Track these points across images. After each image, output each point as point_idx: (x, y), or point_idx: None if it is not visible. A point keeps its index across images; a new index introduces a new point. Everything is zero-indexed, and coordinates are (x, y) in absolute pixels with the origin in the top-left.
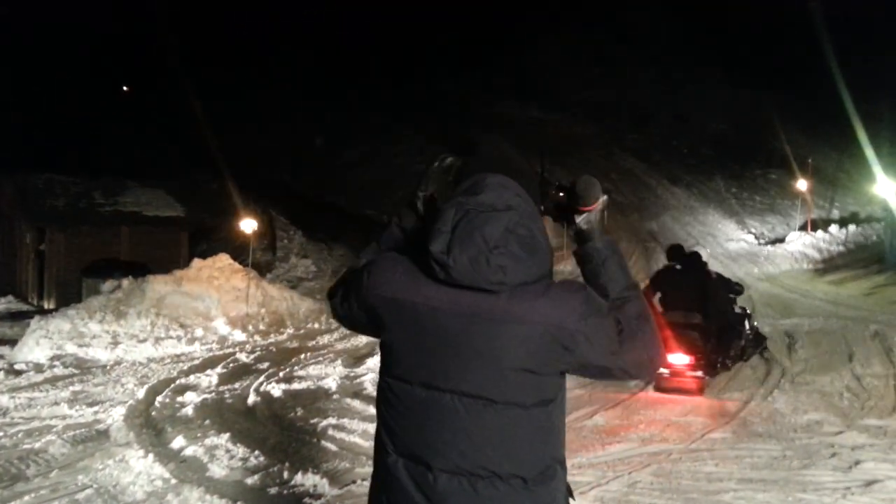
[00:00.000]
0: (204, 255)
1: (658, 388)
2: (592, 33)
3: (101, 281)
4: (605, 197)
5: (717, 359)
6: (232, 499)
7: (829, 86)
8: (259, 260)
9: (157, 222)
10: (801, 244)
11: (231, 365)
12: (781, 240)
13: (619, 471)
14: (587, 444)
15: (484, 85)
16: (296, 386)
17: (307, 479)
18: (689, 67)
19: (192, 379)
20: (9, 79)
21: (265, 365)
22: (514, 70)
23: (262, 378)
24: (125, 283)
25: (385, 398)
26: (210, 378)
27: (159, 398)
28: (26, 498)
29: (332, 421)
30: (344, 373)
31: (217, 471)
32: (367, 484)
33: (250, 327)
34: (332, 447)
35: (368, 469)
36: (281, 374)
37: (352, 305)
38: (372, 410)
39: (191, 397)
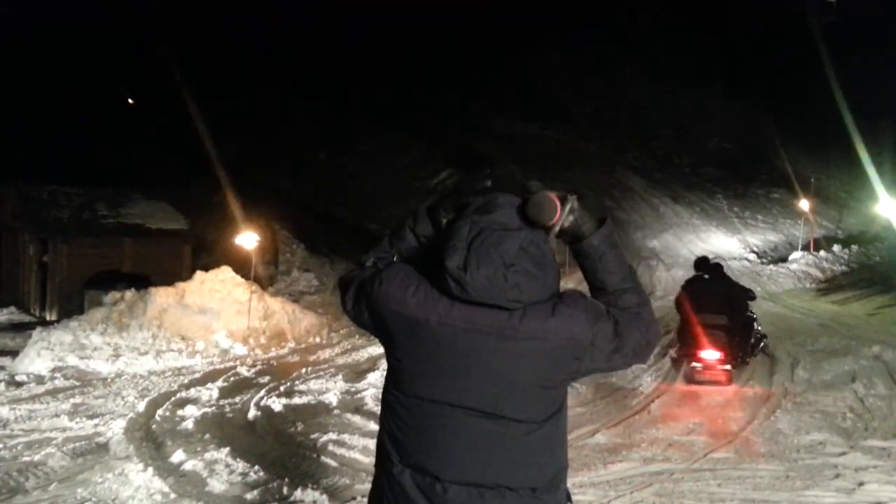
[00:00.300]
0: (206, 268)
1: (691, 381)
2: (595, 47)
3: (103, 293)
4: (570, 203)
5: (739, 354)
6: None
7: (831, 104)
8: (261, 273)
9: (160, 235)
10: (804, 263)
11: (232, 378)
12: (784, 259)
13: (621, 490)
14: (589, 462)
15: (486, 98)
16: (296, 400)
17: (307, 495)
18: (692, 84)
19: (192, 392)
20: (12, 89)
21: (266, 379)
22: (516, 83)
23: (262, 392)
24: (127, 295)
25: (392, 410)
26: (211, 392)
27: (160, 411)
28: None
29: (332, 436)
30: (345, 388)
31: (216, 485)
32: (367, 500)
33: (251, 341)
34: (333, 463)
35: (369, 485)
36: (282, 388)
37: (361, 310)
38: (373, 426)
39: (191, 411)
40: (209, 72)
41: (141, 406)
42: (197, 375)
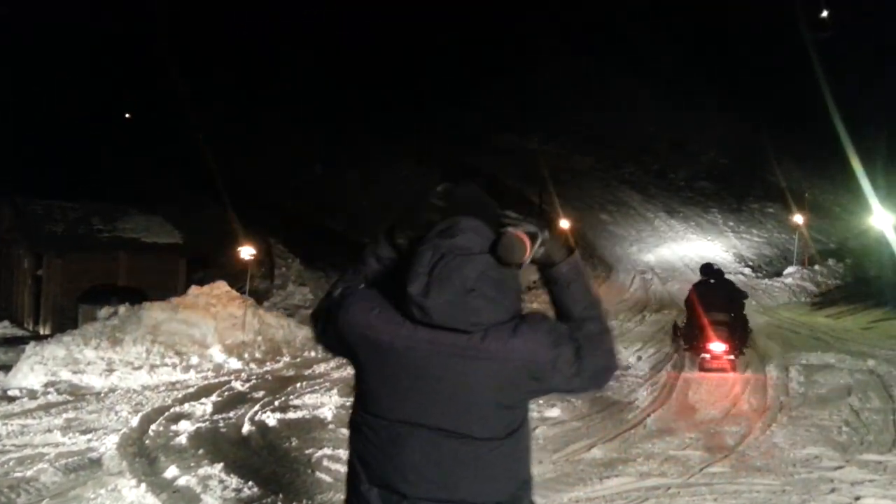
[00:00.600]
0: (201, 282)
1: (702, 369)
2: (591, 64)
3: (97, 307)
4: (540, 238)
5: (739, 345)
6: None
7: (825, 119)
8: (257, 287)
9: (156, 249)
10: (799, 277)
11: (226, 393)
12: (779, 273)
13: None
14: (584, 477)
15: (483, 112)
16: (291, 415)
17: None
18: (687, 100)
19: (186, 407)
20: (7, 103)
21: (260, 394)
22: (514, 98)
23: (257, 407)
24: (122, 309)
25: (359, 432)
26: (205, 406)
27: (153, 426)
28: None
29: (327, 451)
30: (339, 402)
31: (210, 501)
32: None
33: (246, 355)
34: (327, 478)
35: None
36: (276, 402)
37: (331, 337)
38: None
39: (185, 426)
40: (206, 86)
41: (134, 421)
42: (191, 390)
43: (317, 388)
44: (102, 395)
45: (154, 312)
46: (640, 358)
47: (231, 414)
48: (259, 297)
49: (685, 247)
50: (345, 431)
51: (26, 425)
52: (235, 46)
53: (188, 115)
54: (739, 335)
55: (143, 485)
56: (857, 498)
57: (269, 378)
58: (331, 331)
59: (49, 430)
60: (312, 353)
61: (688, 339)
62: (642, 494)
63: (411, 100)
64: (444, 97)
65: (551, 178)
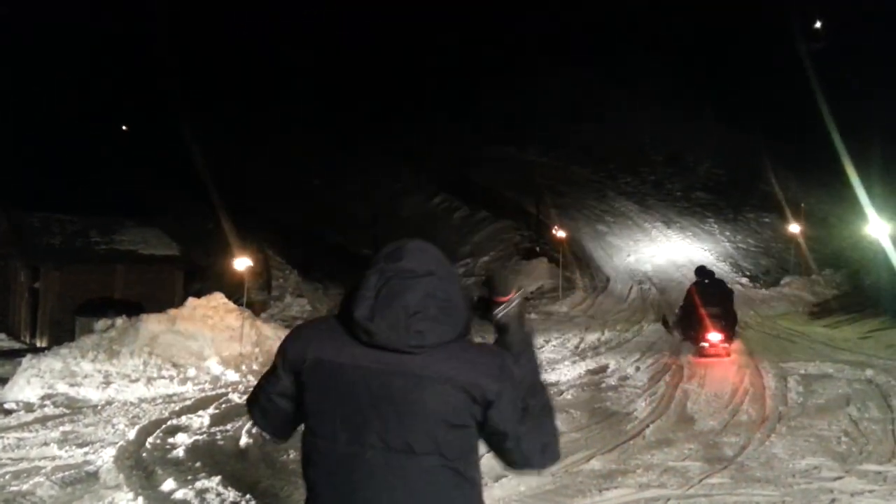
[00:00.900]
0: (199, 294)
1: (701, 355)
2: (588, 74)
3: (94, 320)
4: (521, 290)
5: (731, 335)
6: None
7: (820, 129)
8: (254, 299)
9: (153, 261)
10: (796, 287)
11: (223, 406)
12: (776, 283)
13: None
14: (583, 489)
15: (480, 124)
16: None
17: None
18: (682, 110)
19: (183, 420)
20: (4, 115)
21: None
22: (510, 109)
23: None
24: (119, 322)
25: (310, 458)
26: (202, 419)
27: (150, 439)
28: None
29: None
30: None
31: None
32: None
33: (244, 367)
34: None
35: None
36: None
37: (277, 387)
38: None
39: (182, 439)
40: (202, 98)
41: (131, 434)
42: (188, 402)
43: None
44: (99, 407)
45: (151, 325)
46: (638, 368)
47: (228, 426)
48: (256, 309)
49: (683, 257)
50: None
51: (23, 438)
52: (233, 59)
53: (185, 127)
54: (731, 326)
55: (141, 498)
56: None
57: None
58: (279, 378)
59: (46, 444)
60: None
61: (685, 330)
62: None
63: (409, 111)
64: (441, 109)
65: (548, 190)
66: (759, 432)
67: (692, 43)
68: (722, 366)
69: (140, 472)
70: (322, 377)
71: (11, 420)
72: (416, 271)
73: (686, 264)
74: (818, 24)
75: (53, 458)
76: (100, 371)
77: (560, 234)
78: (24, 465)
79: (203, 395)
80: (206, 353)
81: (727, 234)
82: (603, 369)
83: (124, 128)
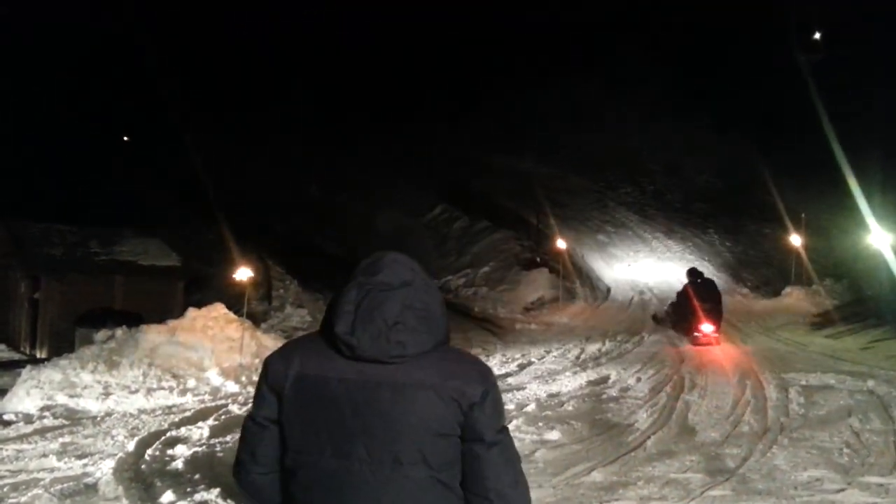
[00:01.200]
0: (199, 305)
1: (695, 344)
2: (585, 84)
3: (94, 330)
4: None
5: (719, 326)
6: None
7: (820, 138)
8: (254, 309)
9: (153, 272)
10: (797, 297)
11: (223, 417)
12: (777, 293)
13: None
14: (585, 502)
15: (477, 134)
16: None
17: None
18: (681, 120)
19: (183, 431)
20: (4, 125)
21: None
22: (507, 120)
23: None
24: (119, 332)
25: (294, 474)
26: (202, 430)
27: (149, 451)
28: None
29: None
30: None
31: None
32: None
33: (244, 378)
34: None
35: None
36: None
37: (263, 410)
38: None
39: (181, 450)
40: (202, 109)
41: (130, 445)
42: (188, 414)
43: None
44: (99, 419)
45: (151, 335)
46: (639, 379)
47: (228, 438)
48: (256, 319)
49: (683, 267)
50: None
51: (21, 450)
52: (233, 67)
53: (185, 137)
54: (720, 319)
55: None
56: None
57: None
58: (268, 398)
59: (45, 455)
60: None
61: (678, 322)
62: None
63: (408, 121)
64: (440, 118)
65: (548, 200)
66: (761, 444)
67: (691, 52)
68: (723, 376)
69: (139, 484)
70: (305, 392)
71: (10, 431)
72: (392, 283)
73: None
74: (817, 36)
75: (52, 470)
76: (99, 382)
77: (560, 244)
78: (22, 476)
79: (203, 406)
80: (205, 363)
81: (727, 244)
82: (604, 380)
83: (125, 138)
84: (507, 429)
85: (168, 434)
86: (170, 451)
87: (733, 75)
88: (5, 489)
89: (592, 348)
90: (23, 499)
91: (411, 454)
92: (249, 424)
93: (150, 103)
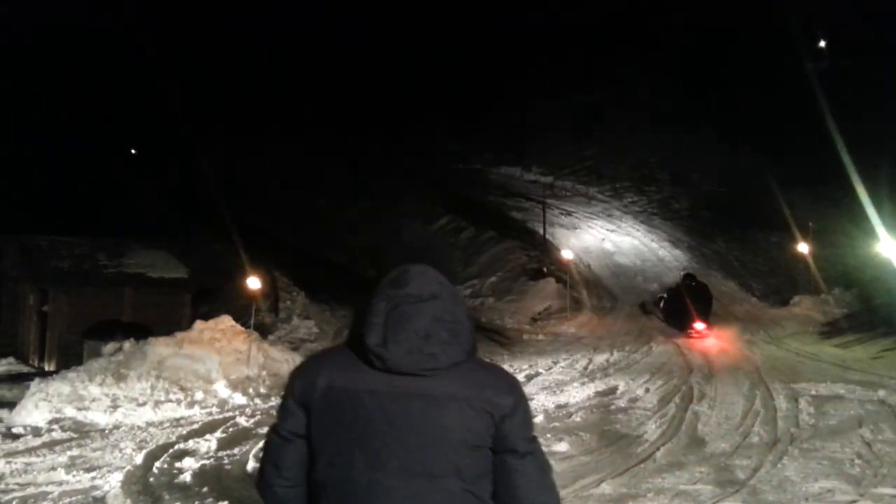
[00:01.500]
0: (206, 317)
1: (689, 338)
2: (591, 94)
3: (102, 343)
4: None
5: (710, 323)
6: None
7: (829, 145)
8: (261, 321)
9: (161, 284)
10: (805, 307)
11: (231, 429)
12: (785, 302)
13: None
14: None
15: (483, 145)
16: None
17: None
18: (687, 129)
19: (190, 444)
20: (12, 138)
21: (265, 429)
22: (513, 130)
23: (261, 443)
24: (126, 345)
25: (324, 488)
26: (209, 443)
27: (157, 464)
28: None
29: None
30: None
31: None
32: None
33: (251, 390)
34: None
35: None
36: None
37: (289, 423)
38: None
39: (189, 463)
40: (209, 121)
41: (139, 458)
42: (195, 426)
43: None
44: (107, 431)
45: (159, 348)
46: (647, 390)
47: (236, 450)
48: (264, 331)
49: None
50: None
51: (30, 463)
52: (241, 82)
53: (193, 149)
54: (709, 317)
55: None
56: None
57: (274, 413)
58: (295, 412)
59: (53, 468)
60: None
61: (672, 318)
62: None
63: (415, 132)
64: (446, 130)
65: (555, 209)
66: (771, 454)
67: (696, 61)
68: (733, 386)
69: (147, 497)
70: (335, 405)
71: (19, 444)
72: (421, 295)
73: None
74: (822, 44)
75: (61, 483)
76: (107, 395)
77: (567, 253)
78: (31, 490)
79: (210, 418)
80: (213, 376)
81: (735, 253)
82: (612, 391)
83: (133, 151)
84: (536, 438)
85: (176, 447)
86: (178, 464)
87: (739, 83)
88: (14, 502)
89: (600, 358)
90: None
91: (445, 467)
92: (274, 438)
93: (157, 116)
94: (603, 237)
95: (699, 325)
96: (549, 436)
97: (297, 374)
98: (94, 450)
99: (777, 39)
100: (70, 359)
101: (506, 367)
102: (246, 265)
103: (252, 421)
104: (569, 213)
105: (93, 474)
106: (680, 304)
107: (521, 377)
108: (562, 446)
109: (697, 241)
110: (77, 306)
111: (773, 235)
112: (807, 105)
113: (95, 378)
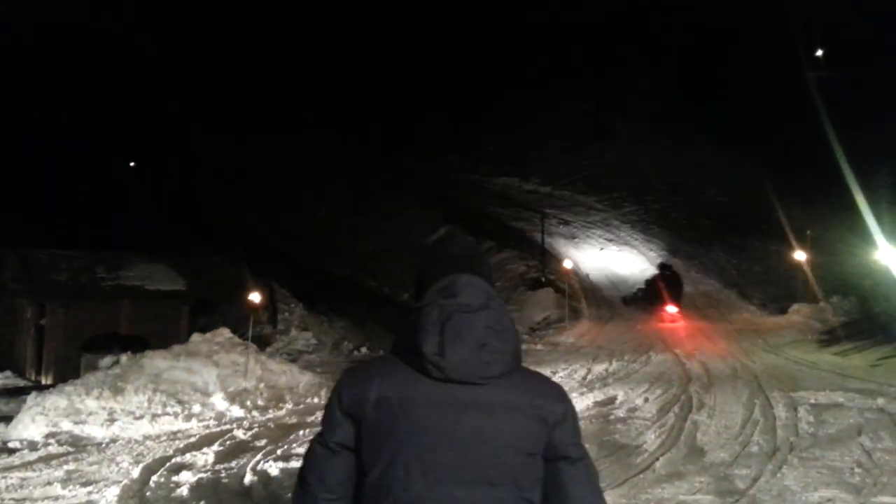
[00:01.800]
0: (204, 329)
1: (662, 322)
2: (589, 104)
3: (99, 356)
4: None
5: (681, 307)
6: None
7: (827, 154)
8: (259, 333)
9: (159, 296)
10: (804, 315)
11: (228, 442)
12: (784, 310)
13: None
14: None
15: (482, 155)
16: (294, 464)
17: None
18: (685, 138)
19: (187, 457)
20: (11, 151)
21: (263, 442)
22: (512, 141)
23: (259, 456)
24: (124, 358)
25: (379, 500)
26: (206, 456)
27: (154, 478)
28: None
29: None
30: None
31: None
32: None
33: (248, 403)
34: None
35: None
36: (279, 451)
37: (336, 436)
38: None
39: (186, 477)
40: (209, 133)
41: (135, 472)
42: (193, 439)
43: None
44: (104, 445)
45: (156, 361)
46: (646, 400)
47: (233, 464)
48: (262, 343)
49: (689, 286)
50: None
51: (26, 478)
52: (241, 92)
53: (192, 162)
54: (680, 300)
55: None
56: None
57: (272, 426)
58: (343, 422)
59: (49, 483)
60: (315, 400)
61: (647, 304)
62: None
63: (414, 143)
64: (445, 140)
65: (553, 219)
66: (771, 464)
67: (693, 71)
68: (732, 395)
69: None
70: (390, 415)
71: (15, 459)
72: (472, 305)
73: (692, 293)
74: (819, 53)
75: (57, 498)
76: (104, 408)
77: (566, 263)
78: None
79: (208, 431)
80: (210, 388)
81: (733, 261)
82: (611, 401)
83: (132, 163)
84: (584, 445)
85: (173, 460)
86: (175, 478)
87: (738, 93)
88: None
89: (599, 368)
90: None
91: (502, 475)
92: (319, 449)
93: (157, 128)
94: (602, 247)
95: (671, 309)
96: None
97: (344, 384)
98: (91, 464)
99: (776, 48)
100: (67, 372)
101: None
102: (244, 277)
103: (249, 434)
104: (567, 223)
105: (89, 489)
106: (655, 291)
107: None
108: None
109: (696, 250)
110: (74, 320)
111: (771, 244)
112: (805, 114)
113: (92, 391)
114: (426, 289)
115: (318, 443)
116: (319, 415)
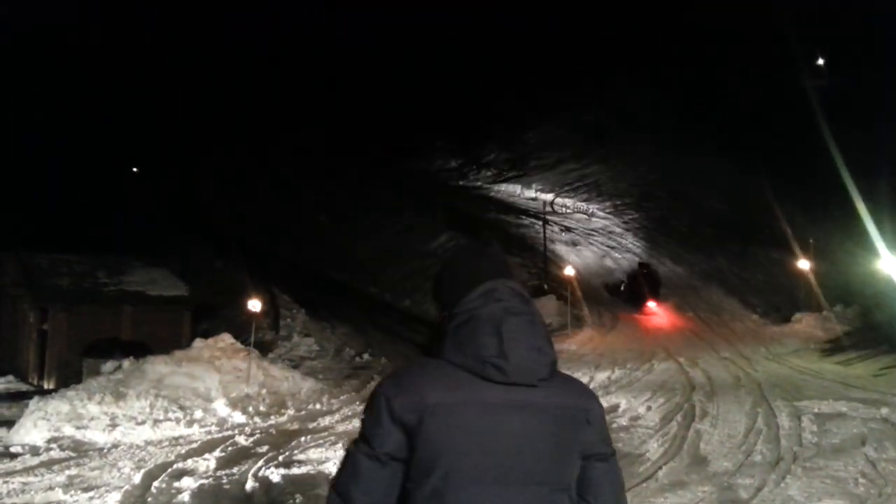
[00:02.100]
0: (206, 334)
1: (642, 314)
2: (589, 112)
3: (101, 361)
4: None
5: (659, 301)
6: None
7: (828, 162)
8: (261, 338)
9: (161, 301)
10: (807, 324)
11: (230, 448)
12: (787, 319)
13: None
14: None
15: (484, 163)
16: (295, 471)
17: None
18: (686, 147)
19: (189, 463)
20: (13, 157)
21: (264, 448)
22: (514, 148)
23: (260, 462)
24: (126, 363)
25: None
26: (208, 462)
27: (156, 483)
28: None
29: None
30: None
31: None
32: None
33: (250, 408)
34: None
35: None
36: (280, 458)
37: (387, 446)
38: None
39: (188, 483)
40: (211, 140)
41: (137, 478)
42: (194, 445)
43: (322, 442)
44: (105, 450)
45: (158, 366)
46: (649, 408)
47: (234, 470)
48: (264, 349)
49: (691, 293)
50: None
51: (28, 483)
52: (243, 98)
53: (194, 168)
54: (658, 295)
55: None
56: None
57: (274, 432)
58: (393, 430)
59: (51, 488)
60: (317, 406)
61: (632, 298)
62: None
63: (416, 150)
64: (448, 148)
65: (554, 227)
66: (774, 473)
67: (694, 79)
68: (735, 404)
69: None
70: (447, 421)
71: (17, 464)
72: (518, 309)
73: (695, 301)
74: (820, 62)
75: (58, 503)
76: (106, 413)
77: (568, 270)
78: None
79: (209, 437)
80: (212, 394)
81: (735, 270)
82: (614, 409)
83: (134, 169)
84: (612, 443)
85: (174, 466)
86: (176, 484)
87: (739, 102)
88: None
89: (602, 376)
90: None
91: (557, 475)
92: (364, 461)
93: (160, 134)
94: (604, 254)
95: (651, 304)
96: None
97: (394, 392)
98: (93, 469)
99: (776, 58)
100: (69, 377)
101: None
102: (246, 282)
103: (251, 440)
104: (569, 230)
105: (91, 494)
106: (636, 287)
107: None
108: None
109: (698, 257)
110: (76, 324)
111: (773, 252)
112: (806, 122)
113: (94, 396)
114: (464, 293)
115: (363, 454)
116: (321, 421)
